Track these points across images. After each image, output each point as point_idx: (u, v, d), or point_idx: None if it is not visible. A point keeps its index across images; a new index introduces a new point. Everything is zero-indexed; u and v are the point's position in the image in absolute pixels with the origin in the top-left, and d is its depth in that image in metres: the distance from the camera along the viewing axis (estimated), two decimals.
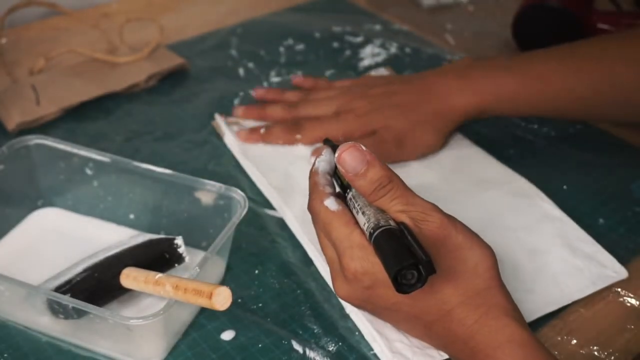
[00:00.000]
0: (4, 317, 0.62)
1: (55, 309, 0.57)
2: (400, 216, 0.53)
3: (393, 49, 1.00)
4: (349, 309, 0.64)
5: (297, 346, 0.60)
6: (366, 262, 0.53)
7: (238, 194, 0.64)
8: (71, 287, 0.59)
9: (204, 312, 0.63)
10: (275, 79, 0.93)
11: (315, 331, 0.62)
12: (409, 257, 0.48)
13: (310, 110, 0.81)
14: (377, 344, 0.60)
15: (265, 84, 0.92)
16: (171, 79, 0.92)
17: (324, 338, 0.61)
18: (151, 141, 0.82)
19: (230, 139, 0.81)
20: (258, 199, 0.74)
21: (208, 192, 0.66)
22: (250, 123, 0.83)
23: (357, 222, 0.55)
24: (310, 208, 0.58)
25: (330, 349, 0.61)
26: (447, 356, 0.58)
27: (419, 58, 0.99)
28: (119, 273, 0.60)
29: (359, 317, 0.62)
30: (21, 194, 0.70)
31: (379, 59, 0.98)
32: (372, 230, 0.52)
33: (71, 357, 0.59)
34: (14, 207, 0.70)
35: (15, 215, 0.70)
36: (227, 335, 0.61)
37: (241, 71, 0.95)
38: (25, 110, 0.83)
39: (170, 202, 0.68)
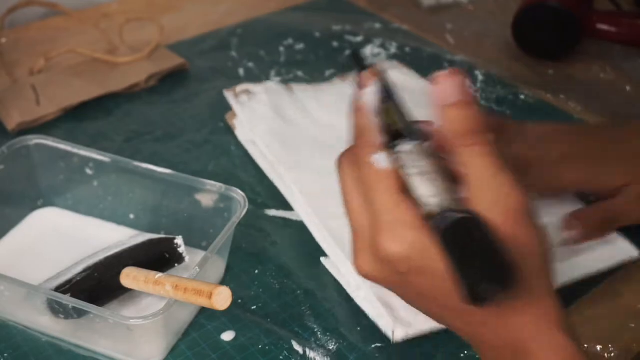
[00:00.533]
0: (4, 316, 0.62)
1: (55, 308, 0.57)
2: (482, 192, 0.42)
3: (393, 49, 1.00)
4: (353, 288, 0.64)
5: (297, 346, 0.60)
6: (411, 246, 0.43)
7: (238, 194, 0.64)
8: (71, 287, 0.59)
9: (204, 312, 0.63)
10: (275, 79, 0.93)
11: (316, 331, 0.62)
12: (496, 267, 0.38)
13: None
14: (382, 319, 0.60)
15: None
16: (171, 79, 0.92)
17: (324, 338, 0.61)
18: (151, 141, 0.82)
19: (243, 117, 0.81)
20: (259, 199, 0.74)
21: (208, 193, 0.66)
22: (257, 88, 0.84)
23: (406, 190, 0.43)
24: (348, 158, 0.46)
25: (331, 348, 0.61)
26: None
27: (419, 58, 0.99)
28: (119, 273, 0.60)
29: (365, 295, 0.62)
30: (21, 194, 0.70)
31: (379, 58, 0.98)
32: (440, 213, 0.41)
33: (71, 357, 0.59)
34: (14, 207, 0.70)
35: (15, 215, 0.70)
36: (227, 335, 0.61)
37: (241, 71, 0.95)
38: (25, 111, 0.83)
39: (170, 202, 0.68)
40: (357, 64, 0.49)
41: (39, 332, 0.61)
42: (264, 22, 1.06)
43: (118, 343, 0.58)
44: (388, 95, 0.45)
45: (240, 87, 0.84)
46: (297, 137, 0.79)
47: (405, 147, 0.43)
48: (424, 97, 0.87)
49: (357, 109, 0.46)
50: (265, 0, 1.11)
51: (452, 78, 0.44)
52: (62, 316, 0.57)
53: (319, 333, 0.62)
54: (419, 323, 0.60)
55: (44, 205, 0.71)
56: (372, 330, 0.62)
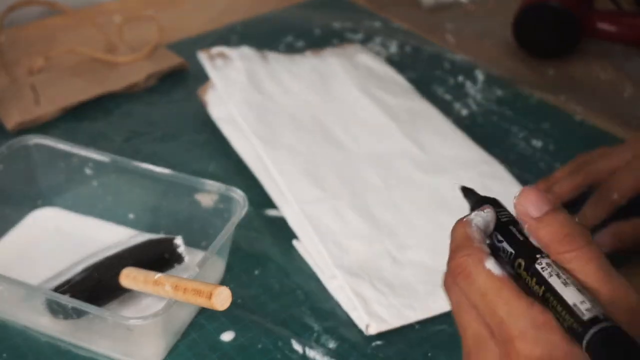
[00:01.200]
0: (3, 317, 0.62)
1: (55, 309, 0.57)
2: (601, 291, 0.40)
3: (393, 48, 1.00)
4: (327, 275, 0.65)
5: (296, 346, 0.60)
6: (555, 348, 0.39)
7: (238, 194, 0.64)
8: (70, 287, 0.59)
9: (203, 312, 0.62)
10: None
11: (315, 330, 0.62)
12: None
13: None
14: (356, 311, 0.61)
15: None
16: (171, 79, 0.92)
17: (323, 337, 0.61)
18: (151, 141, 0.82)
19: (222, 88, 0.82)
20: (259, 199, 0.74)
21: (208, 193, 0.66)
22: (232, 53, 0.85)
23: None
24: (457, 267, 0.43)
25: (331, 347, 0.60)
26: (422, 317, 0.59)
27: (419, 57, 0.99)
28: (118, 273, 0.60)
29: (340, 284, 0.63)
30: (20, 193, 0.70)
31: (379, 57, 0.98)
32: (594, 321, 0.38)
33: (70, 357, 0.59)
34: (13, 207, 0.70)
35: (15, 215, 0.70)
36: (227, 336, 0.61)
37: None
38: (25, 110, 0.82)
39: (170, 202, 0.68)
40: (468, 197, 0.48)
41: (38, 332, 0.61)
42: (264, 19, 1.06)
43: (117, 343, 0.58)
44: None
45: (215, 49, 0.84)
46: (273, 112, 0.79)
47: (546, 259, 0.42)
48: (391, 83, 0.88)
49: (463, 222, 0.45)
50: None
51: (532, 193, 0.43)
52: (61, 316, 0.57)
53: (318, 333, 0.62)
54: (392, 318, 0.61)
55: (44, 205, 0.71)
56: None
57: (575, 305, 0.39)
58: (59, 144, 0.69)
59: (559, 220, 0.42)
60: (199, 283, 0.52)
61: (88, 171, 0.69)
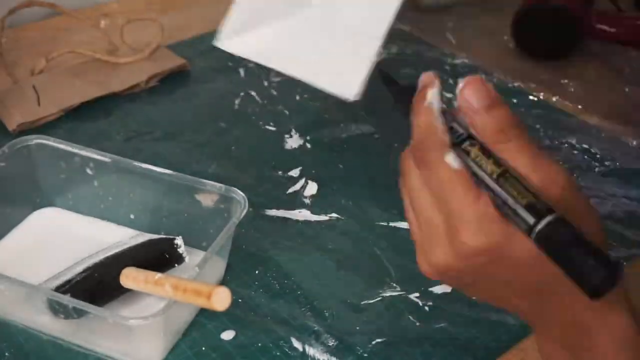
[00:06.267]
0: (5, 316, 0.62)
1: (56, 308, 0.58)
2: (531, 177, 0.44)
3: (394, 49, 1.00)
4: None
5: (296, 344, 0.61)
6: (497, 237, 0.44)
7: (238, 194, 0.64)
8: (71, 287, 0.59)
9: (204, 311, 0.63)
10: (275, 79, 0.93)
11: (315, 329, 0.62)
12: (605, 261, 0.39)
13: None
14: None
15: (265, 83, 0.92)
16: (172, 79, 0.92)
17: (323, 336, 0.62)
18: (152, 141, 0.83)
19: None
20: (259, 199, 0.75)
21: (209, 193, 0.66)
22: None
23: (479, 187, 0.45)
24: (421, 159, 0.46)
25: (330, 345, 0.61)
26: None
27: (420, 58, 0.99)
28: (119, 273, 0.60)
29: None
30: (22, 193, 0.71)
31: (379, 58, 0.98)
32: (537, 210, 0.42)
33: (72, 356, 0.60)
34: (14, 206, 0.71)
35: (16, 214, 0.71)
36: (227, 335, 0.62)
37: (241, 71, 0.95)
38: (26, 111, 0.83)
39: (171, 202, 0.68)
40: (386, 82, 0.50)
41: (40, 332, 0.61)
42: None
43: (118, 343, 0.58)
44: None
45: None
46: None
47: (478, 145, 0.45)
48: None
49: (424, 108, 0.47)
50: None
51: (474, 84, 0.46)
52: (62, 316, 0.58)
53: (318, 332, 0.62)
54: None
55: (45, 205, 0.72)
56: (371, 329, 0.63)
57: (508, 197, 0.42)
58: (60, 144, 0.69)
59: (497, 113, 0.45)
60: (199, 283, 0.52)
61: (89, 171, 0.69)
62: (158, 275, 0.56)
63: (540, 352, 0.51)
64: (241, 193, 0.64)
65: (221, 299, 0.51)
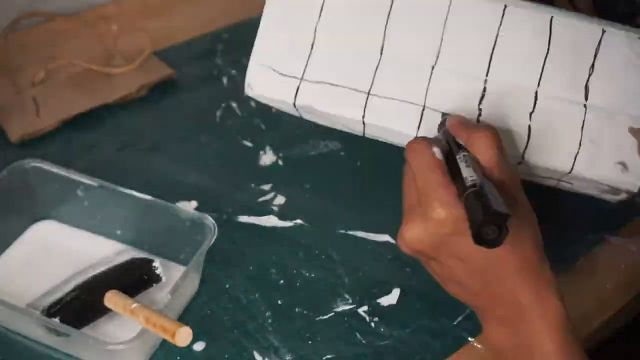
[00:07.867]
0: (4, 325, 0.71)
1: (49, 327, 0.66)
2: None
3: None
4: None
5: (258, 357, 0.69)
6: (457, 213, 0.57)
7: (209, 220, 0.72)
8: (62, 307, 0.68)
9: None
10: None
11: (276, 345, 0.70)
12: (491, 213, 0.52)
13: None
14: None
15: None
16: (160, 88, 0.98)
17: (281, 350, 0.70)
18: (142, 150, 0.90)
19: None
20: (234, 208, 0.82)
21: (188, 202, 0.77)
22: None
23: (453, 178, 0.59)
24: (418, 146, 0.62)
25: (287, 359, 0.69)
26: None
27: None
28: (103, 294, 0.69)
29: None
30: (18, 212, 0.79)
31: None
32: (470, 187, 0.57)
33: None
34: (10, 223, 0.79)
35: (14, 229, 0.79)
36: (199, 346, 0.70)
37: (224, 80, 1.01)
38: (27, 123, 0.91)
39: (151, 219, 0.76)
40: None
41: (36, 342, 0.70)
42: (251, 24, 1.10)
43: (103, 357, 0.67)
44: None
45: None
46: None
47: (462, 153, 0.61)
48: None
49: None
50: (258, 3, 1.15)
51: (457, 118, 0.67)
52: (54, 333, 0.67)
53: (278, 345, 0.70)
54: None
55: (42, 219, 0.80)
56: (325, 343, 0.71)
57: (466, 178, 0.57)
58: (53, 168, 0.77)
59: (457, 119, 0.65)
60: (166, 320, 0.61)
61: (80, 192, 0.77)
62: (134, 304, 0.65)
63: (486, 334, 0.64)
64: (211, 220, 0.72)
65: (183, 338, 0.60)
